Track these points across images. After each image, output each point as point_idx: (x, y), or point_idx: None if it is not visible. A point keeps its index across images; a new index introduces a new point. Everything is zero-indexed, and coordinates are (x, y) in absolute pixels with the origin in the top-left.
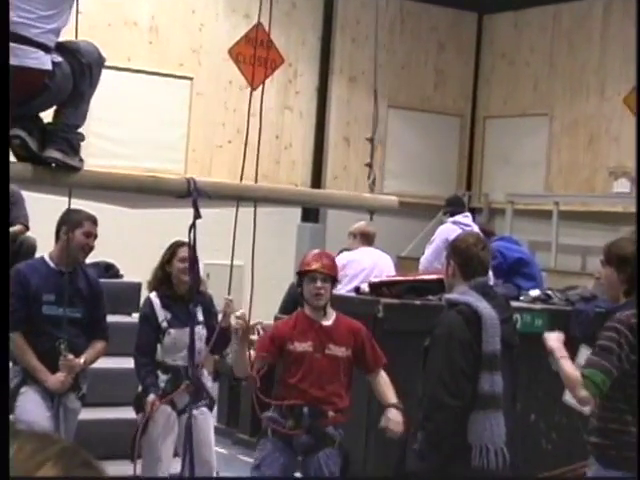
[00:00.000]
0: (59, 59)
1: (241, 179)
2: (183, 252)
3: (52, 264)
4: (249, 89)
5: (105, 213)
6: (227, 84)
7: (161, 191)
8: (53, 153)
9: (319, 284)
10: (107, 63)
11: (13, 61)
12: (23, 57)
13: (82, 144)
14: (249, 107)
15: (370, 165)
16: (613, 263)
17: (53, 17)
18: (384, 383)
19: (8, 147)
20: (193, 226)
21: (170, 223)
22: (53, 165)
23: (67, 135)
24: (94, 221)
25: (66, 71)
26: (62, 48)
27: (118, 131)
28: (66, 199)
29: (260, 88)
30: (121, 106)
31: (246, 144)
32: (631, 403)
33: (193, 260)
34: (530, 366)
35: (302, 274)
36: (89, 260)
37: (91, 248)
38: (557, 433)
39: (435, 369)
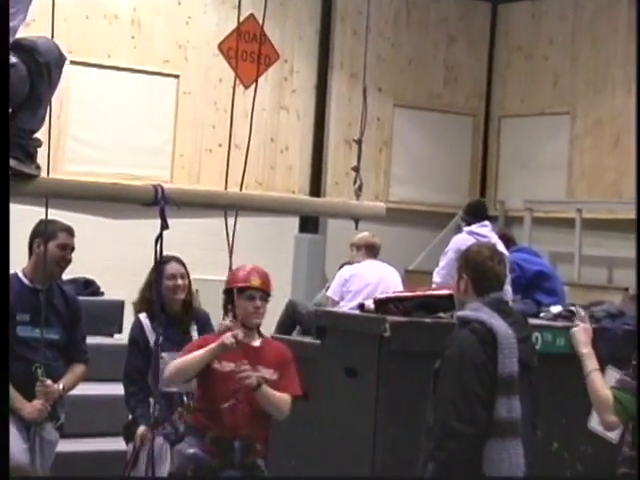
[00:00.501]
0: (14, 60)
1: (214, 182)
2: (171, 269)
3: (26, 281)
4: (241, 87)
5: (84, 225)
6: (217, 82)
7: (125, 199)
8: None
9: (258, 302)
10: (85, 60)
11: None
12: None
13: (59, 149)
14: (232, 106)
15: (357, 169)
16: None
17: (9, 15)
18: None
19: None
20: (160, 237)
21: (155, 235)
22: None
23: (22, 141)
24: (70, 232)
25: (22, 72)
26: (18, 47)
27: (98, 134)
28: (40, 209)
29: (253, 86)
30: (101, 107)
31: (229, 149)
32: None
33: (160, 276)
34: (552, 389)
35: (237, 290)
36: (66, 276)
37: (67, 262)
38: (582, 464)
39: (447, 394)
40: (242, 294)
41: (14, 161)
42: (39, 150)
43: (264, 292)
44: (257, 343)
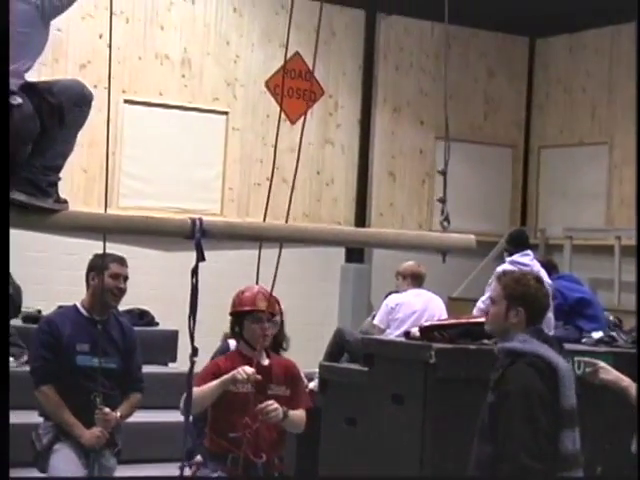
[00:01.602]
0: (19, 101)
1: (263, 216)
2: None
3: (84, 312)
4: (287, 123)
5: (138, 258)
6: (264, 118)
7: (163, 232)
8: (17, 195)
9: (266, 325)
10: (138, 99)
11: None
12: None
13: (113, 185)
14: (275, 141)
15: (443, 200)
16: None
17: (11, 60)
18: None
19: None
20: (195, 270)
21: (207, 266)
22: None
23: (32, 176)
24: (121, 262)
25: (27, 113)
26: (29, 88)
27: (150, 170)
28: (98, 243)
29: (300, 122)
30: (153, 144)
31: (271, 181)
32: None
33: (195, 307)
34: (595, 414)
35: (243, 313)
36: (122, 307)
37: (121, 290)
38: None
39: (515, 430)
40: (249, 317)
41: (24, 195)
42: (94, 186)
43: (270, 314)
44: (266, 362)
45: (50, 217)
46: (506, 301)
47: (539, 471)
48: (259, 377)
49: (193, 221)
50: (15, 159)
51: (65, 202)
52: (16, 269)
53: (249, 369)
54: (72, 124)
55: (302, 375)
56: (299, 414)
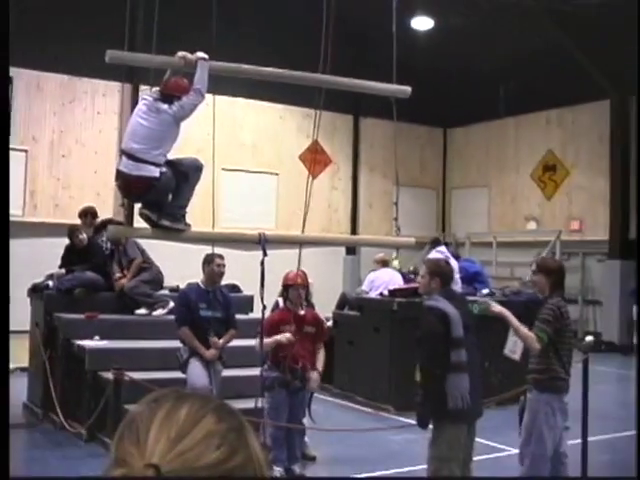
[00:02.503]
0: (164, 169)
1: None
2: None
3: (202, 286)
4: (311, 178)
5: (232, 255)
6: (298, 176)
7: (241, 240)
8: (164, 222)
9: (301, 293)
10: (226, 167)
11: (134, 172)
12: (138, 170)
13: (218, 214)
14: (309, 189)
15: (396, 219)
16: (543, 272)
17: (159, 147)
18: (320, 354)
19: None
20: (262, 262)
21: (269, 260)
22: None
23: (171, 211)
24: (221, 257)
25: (169, 177)
26: (171, 162)
27: (237, 206)
28: (209, 247)
29: (317, 177)
30: (238, 192)
31: (305, 211)
32: (557, 354)
33: (263, 282)
34: (485, 333)
35: (289, 286)
36: (223, 282)
37: (222, 274)
38: (502, 373)
39: (425, 353)
40: (291, 288)
41: (168, 222)
42: (207, 215)
43: (304, 286)
44: (302, 312)
45: (182, 234)
46: (428, 275)
47: (439, 373)
48: (293, 339)
49: (259, 234)
50: (162, 202)
51: (189, 225)
52: (166, 262)
53: (288, 335)
54: (193, 182)
55: (323, 319)
56: (321, 354)
